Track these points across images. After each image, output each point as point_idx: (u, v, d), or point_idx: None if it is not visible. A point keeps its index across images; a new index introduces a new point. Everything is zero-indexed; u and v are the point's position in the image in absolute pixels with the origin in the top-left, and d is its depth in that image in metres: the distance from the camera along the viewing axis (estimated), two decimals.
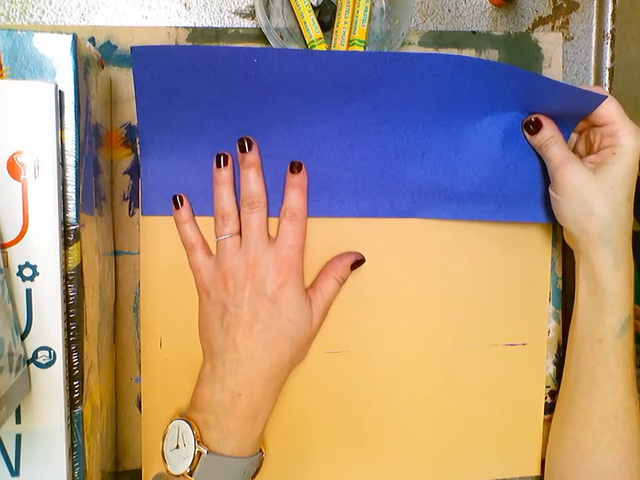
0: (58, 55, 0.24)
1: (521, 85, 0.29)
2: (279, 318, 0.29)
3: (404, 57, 0.28)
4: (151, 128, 0.30)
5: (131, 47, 0.27)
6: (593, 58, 0.36)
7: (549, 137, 0.31)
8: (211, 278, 0.30)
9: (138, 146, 0.32)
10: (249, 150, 0.30)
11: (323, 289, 0.32)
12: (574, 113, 0.31)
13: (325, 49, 0.32)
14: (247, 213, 0.30)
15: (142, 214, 0.31)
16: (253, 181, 0.30)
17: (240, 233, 0.30)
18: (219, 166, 0.30)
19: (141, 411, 0.32)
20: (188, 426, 0.28)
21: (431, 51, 0.34)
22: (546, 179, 0.32)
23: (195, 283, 0.31)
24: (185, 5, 0.32)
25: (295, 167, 0.31)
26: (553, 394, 0.37)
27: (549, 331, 0.37)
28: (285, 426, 0.33)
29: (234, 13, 0.33)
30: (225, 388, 0.28)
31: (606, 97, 0.30)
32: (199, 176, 0.31)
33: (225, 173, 0.30)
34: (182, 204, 0.31)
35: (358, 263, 0.33)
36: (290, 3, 0.32)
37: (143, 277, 0.32)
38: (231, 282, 0.29)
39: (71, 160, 0.25)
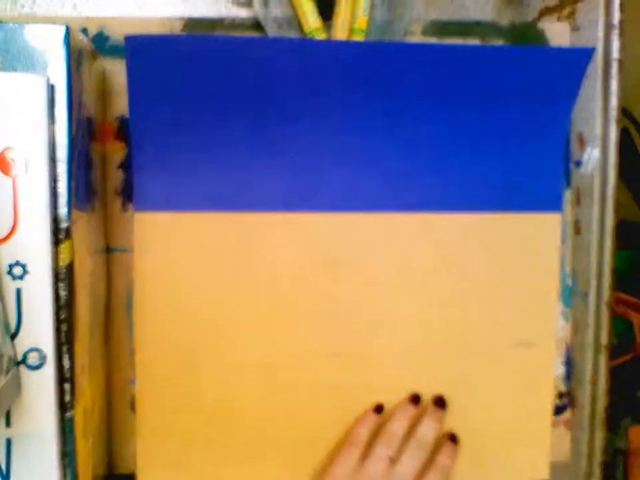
0: (50, 48, 0.24)
1: (515, 67, 0.29)
2: None
3: (401, 47, 0.28)
4: (143, 121, 0.29)
5: (125, 37, 0.26)
6: (600, 49, 0.35)
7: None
8: None
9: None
10: None
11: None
12: (569, 81, 0.31)
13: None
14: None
15: (135, 210, 0.31)
16: None
17: None
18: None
19: (135, 413, 0.31)
20: None
21: (433, 40, 0.34)
22: (548, 165, 0.32)
23: None
24: None
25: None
26: (562, 395, 0.36)
27: (557, 331, 0.35)
28: (286, 429, 0.33)
29: (230, 2, 0.32)
30: None
31: (592, 48, 0.30)
32: (196, 170, 0.30)
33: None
34: None
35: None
36: None
37: (137, 276, 0.31)
38: None
39: (62, 155, 0.24)
